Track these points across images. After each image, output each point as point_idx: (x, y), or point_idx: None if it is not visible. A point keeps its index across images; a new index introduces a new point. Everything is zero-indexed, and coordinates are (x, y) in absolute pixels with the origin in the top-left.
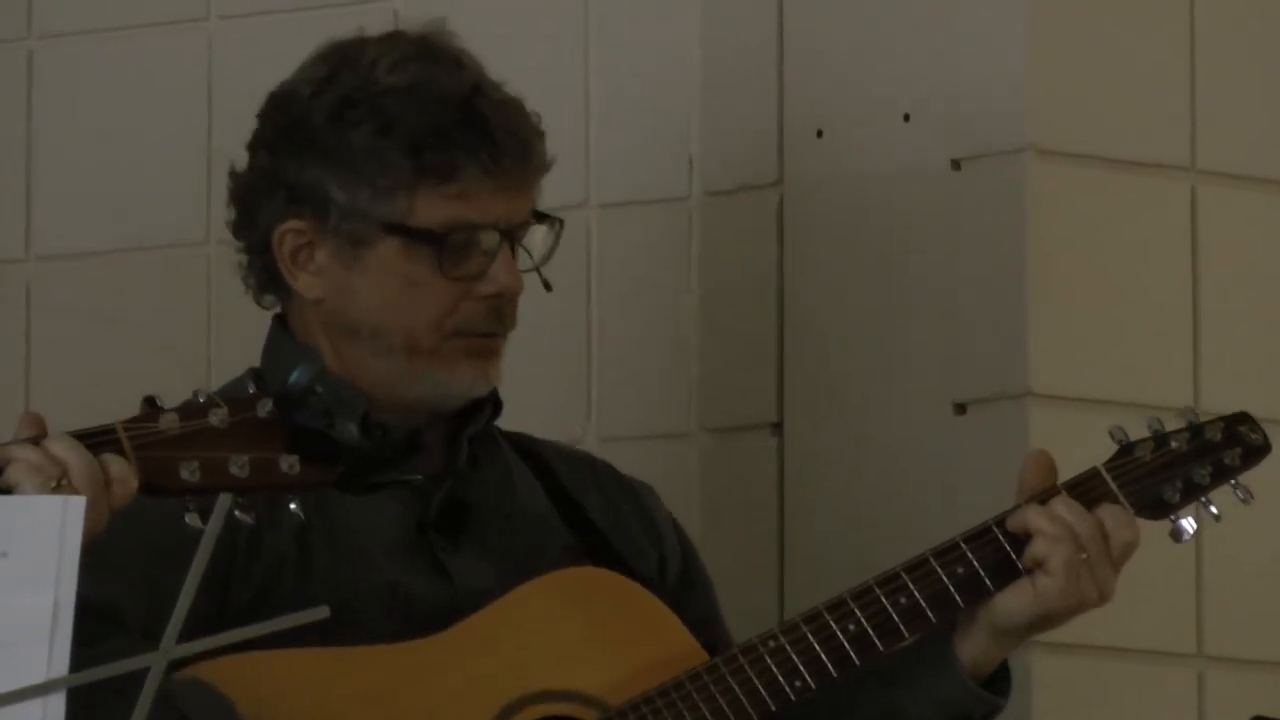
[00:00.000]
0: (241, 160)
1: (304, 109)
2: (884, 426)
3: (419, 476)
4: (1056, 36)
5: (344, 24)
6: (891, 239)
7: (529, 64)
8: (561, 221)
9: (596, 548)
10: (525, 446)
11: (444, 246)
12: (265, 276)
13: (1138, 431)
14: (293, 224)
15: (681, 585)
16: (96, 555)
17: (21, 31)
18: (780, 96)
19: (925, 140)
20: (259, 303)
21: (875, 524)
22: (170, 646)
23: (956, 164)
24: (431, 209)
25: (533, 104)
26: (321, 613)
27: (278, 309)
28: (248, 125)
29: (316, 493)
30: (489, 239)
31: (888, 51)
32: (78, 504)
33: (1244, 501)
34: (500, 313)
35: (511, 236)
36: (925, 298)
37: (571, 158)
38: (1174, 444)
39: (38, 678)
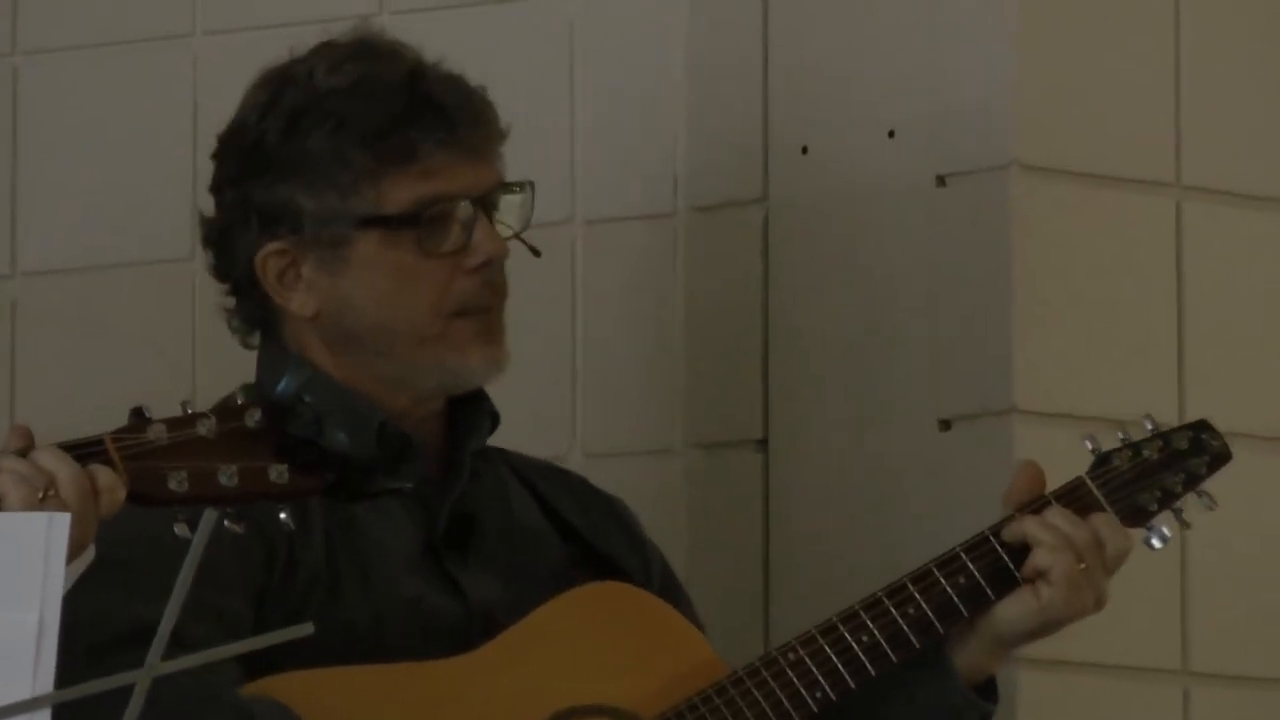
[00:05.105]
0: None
1: (256, 134)
2: (869, 442)
3: (409, 484)
4: (1041, 53)
5: None
6: (876, 255)
7: (515, 80)
8: (532, 184)
9: (586, 553)
10: (509, 462)
11: (421, 225)
12: (254, 310)
13: (1109, 441)
14: (272, 246)
15: (664, 592)
16: (133, 578)
17: (6, 48)
18: (765, 113)
19: (910, 156)
20: (246, 344)
21: (861, 540)
22: (155, 664)
23: (941, 180)
24: (400, 193)
25: (518, 120)
26: (305, 629)
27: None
28: None
29: (337, 508)
30: (463, 210)
31: (873, 68)
32: (62, 521)
33: (1209, 509)
34: (494, 283)
35: (485, 204)
36: (910, 314)
37: (557, 174)
38: (1146, 452)
39: (23, 695)
